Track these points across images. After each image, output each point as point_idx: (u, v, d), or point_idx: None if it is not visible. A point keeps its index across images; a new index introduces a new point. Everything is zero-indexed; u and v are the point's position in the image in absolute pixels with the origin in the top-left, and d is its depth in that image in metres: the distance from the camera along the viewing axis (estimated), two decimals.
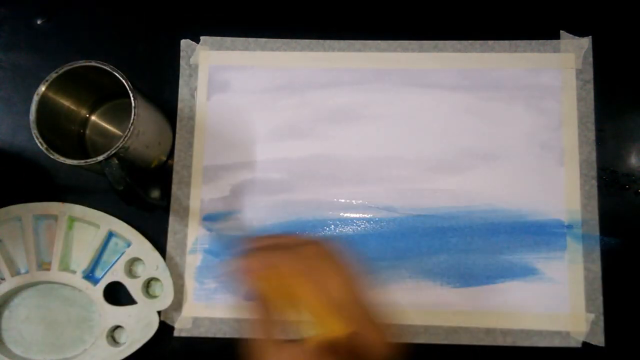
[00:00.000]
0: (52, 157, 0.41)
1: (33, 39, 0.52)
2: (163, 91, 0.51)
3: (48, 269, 0.47)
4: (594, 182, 0.48)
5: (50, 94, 0.43)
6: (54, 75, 0.42)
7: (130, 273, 0.48)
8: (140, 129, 0.42)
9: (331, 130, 0.50)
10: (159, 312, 0.47)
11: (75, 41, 0.52)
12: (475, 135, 0.50)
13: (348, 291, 0.32)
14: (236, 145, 0.50)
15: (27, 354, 0.47)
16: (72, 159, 0.41)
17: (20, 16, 0.53)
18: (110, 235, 0.48)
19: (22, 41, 0.52)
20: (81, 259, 0.47)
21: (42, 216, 0.47)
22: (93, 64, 0.42)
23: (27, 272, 0.47)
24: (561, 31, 0.51)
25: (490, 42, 0.51)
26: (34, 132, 0.41)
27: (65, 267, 0.47)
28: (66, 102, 0.46)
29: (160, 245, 0.48)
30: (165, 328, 0.47)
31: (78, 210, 0.47)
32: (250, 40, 0.52)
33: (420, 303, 0.47)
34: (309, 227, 0.48)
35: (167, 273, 0.47)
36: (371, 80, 0.51)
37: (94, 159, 0.40)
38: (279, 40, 0.52)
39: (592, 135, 0.49)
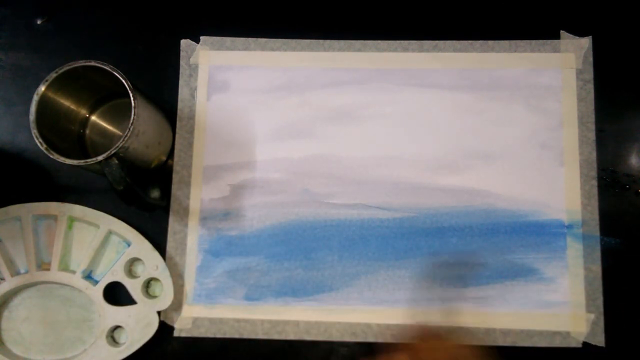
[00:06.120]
0: (52, 157, 0.41)
1: (33, 39, 0.52)
2: (163, 91, 0.51)
3: (48, 269, 0.47)
4: (594, 182, 0.48)
5: (50, 94, 0.43)
6: (53, 75, 0.42)
7: (130, 273, 0.48)
8: (140, 129, 0.42)
9: (331, 130, 0.50)
10: (159, 312, 0.47)
11: (75, 41, 0.52)
12: (475, 135, 0.50)
13: None
14: (236, 145, 0.50)
15: (27, 354, 0.47)
16: (72, 159, 0.41)
17: (20, 16, 0.53)
18: (110, 235, 0.48)
19: (22, 41, 0.52)
20: (81, 259, 0.47)
21: (41, 216, 0.47)
22: (93, 64, 0.42)
23: (26, 272, 0.47)
24: (561, 31, 0.51)
25: (490, 42, 0.51)
26: (34, 132, 0.41)
27: (65, 267, 0.47)
28: (66, 102, 0.46)
29: (160, 245, 0.48)
30: (165, 328, 0.47)
31: (78, 210, 0.47)
32: (250, 40, 0.52)
33: (420, 303, 0.47)
34: (308, 227, 0.48)
35: (167, 273, 0.47)
36: (371, 80, 0.51)
37: (94, 159, 0.40)
38: (279, 40, 0.52)
39: (592, 135, 0.49)
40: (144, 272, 0.47)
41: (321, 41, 0.51)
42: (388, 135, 0.50)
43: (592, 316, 0.46)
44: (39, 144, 0.41)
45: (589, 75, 0.50)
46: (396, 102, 0.50)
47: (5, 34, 0.53)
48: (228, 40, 0.52)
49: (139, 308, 0.46)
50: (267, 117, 0.50)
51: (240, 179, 0.50)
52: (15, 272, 0.47)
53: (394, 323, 0.47)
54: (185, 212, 0.49)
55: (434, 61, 0.51)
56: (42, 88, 0.42)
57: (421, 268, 0.47)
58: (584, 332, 0.46)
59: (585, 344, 0.46)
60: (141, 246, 0.47)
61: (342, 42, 0.51)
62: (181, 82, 0.51)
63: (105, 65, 0.42)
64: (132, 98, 0.41)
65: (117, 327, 0.47)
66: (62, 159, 0.41)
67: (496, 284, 0.47)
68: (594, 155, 0.49)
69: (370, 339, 0.47)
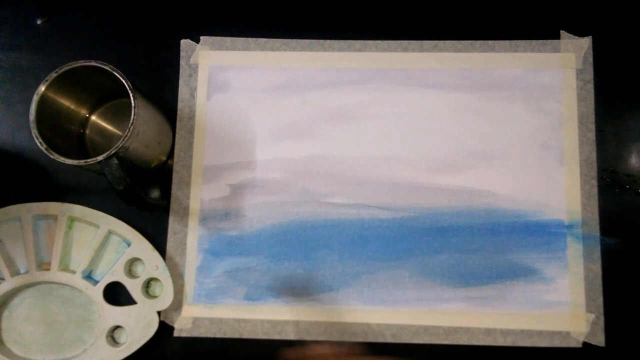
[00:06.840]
0: (52, 157, 0.41)
1: (33, 39, 0.52)
2: (163, 91, 0.51)
3: (48, 269, 0.47)
4: (594, 182, 0.48)
5: (50, 94, 0.43)
6: (53, 75, 0.42)
7: (130, 273, 0.48)
8: (140, 129, 0.42)
9: (331, 130, 0.50)
10: (159, 312, 0.47)
11: (75, 41, 0.52)
12: (475, 135, 0.50)
13: None
14: (236, 145, 0.50)
15: (27, 354, 0.47)
16: (72, 159, 0.41)
17: (20, 16, 0.53)
18: (110, 235, 0.48)
19: (22, 41, 0.52)
20: (81, 259, 0.47)
21: (41, 216, 0.47)
22: (93, 64, 0.42)
23: (26, 272, 0.47)
24: (561, 31, 0.51)
25: (490, 42, 0.51)
26: (34, 132, 0.41)
27: (65, 267, 0.47)
28: (66, 102, 0.46)
29: (160, 245, 0.48)
30: (165, 328, 0.47)
31: (78, 210, 0.47)
32: (250, 40, 0.52)
33: (420, 303, 0.47)
34: (308, 227, 0.48)
35: (167, 273, 0.47)
36: (371, 80, 0.51)
37: (94, 159, 0.40)
38: (279, 40, 0.52)
39: (592, 135, 0.49)
40: (144, 272, 0.47)
41: (321, 41, 0.51)
42: (388, 135, 0.50)
43: (592, 316, 0.46)
44: (39, 144, 0.41)
45: (589, 75, 0.50)
46: (396, 102, 0.50)
47: (5, 34, 0.53)
48: (228, 40, 0.52)
49: (139, 308, 0.46)
50: (267, 117, 0.50)
51: (240, 179, 0.50)
52: (15, 272, 0.47)
53: (394, 323, 0.47)
54: (185, 212, 0.49)
55: (434, 61, 0.51)
56: (42, 88, 0.42)
57: (421, 268, 0.47)
58: (584, 332, 0.46)
59: (585, 344, 0.46)
60: (141, 246, 0.47)
61: (342, 42, 0.51)
62: (181, 82, 0.51)
63: (105, 65, 0.42)
64: (132, 98, 0.41)
65: (117, 327, 0.47)
66: (62, 159, 0.41)
67: (496, 284, 0.47)
68: (594, 155, 0.49)
69: (370, 339, 0.47)
